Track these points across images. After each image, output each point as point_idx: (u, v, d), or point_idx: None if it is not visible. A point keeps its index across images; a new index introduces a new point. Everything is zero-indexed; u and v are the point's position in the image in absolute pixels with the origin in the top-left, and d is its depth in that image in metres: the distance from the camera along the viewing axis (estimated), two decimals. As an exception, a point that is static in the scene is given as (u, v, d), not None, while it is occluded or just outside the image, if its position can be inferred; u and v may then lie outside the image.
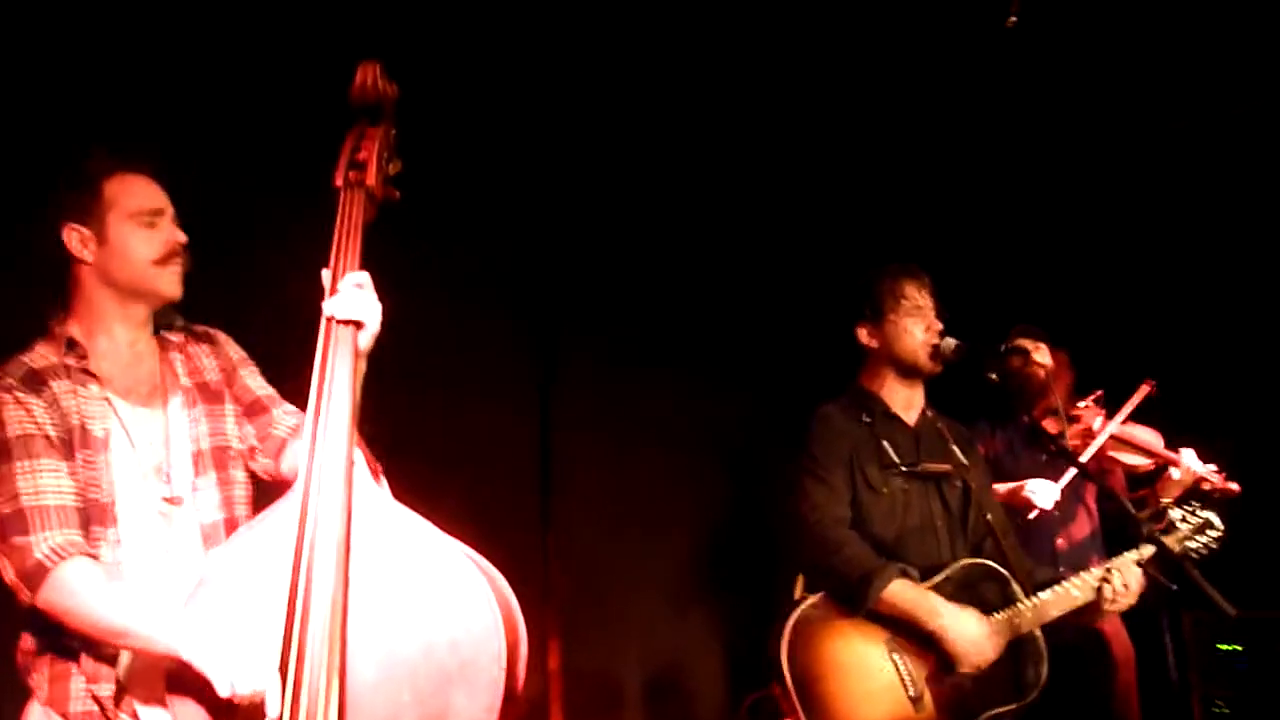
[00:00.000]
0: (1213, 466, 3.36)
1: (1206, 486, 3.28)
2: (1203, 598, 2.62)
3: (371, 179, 1.99)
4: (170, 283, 2.09)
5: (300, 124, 2.51)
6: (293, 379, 2.08)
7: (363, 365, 1.99)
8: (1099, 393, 3.83)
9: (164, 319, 2.16)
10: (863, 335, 2.97)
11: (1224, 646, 4.57)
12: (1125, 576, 2.74)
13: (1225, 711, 4.43)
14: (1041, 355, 3.66)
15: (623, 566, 4.44)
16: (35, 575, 1.86)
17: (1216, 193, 4.73)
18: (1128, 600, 2.75)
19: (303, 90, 2.70)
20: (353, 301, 1.93)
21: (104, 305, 2.07)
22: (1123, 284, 4.92)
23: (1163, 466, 3.66)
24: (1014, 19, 3.44)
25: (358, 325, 1.94)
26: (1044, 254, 5.08)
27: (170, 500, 2.04)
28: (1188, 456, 3.22)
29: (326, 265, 1.95)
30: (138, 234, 2.05)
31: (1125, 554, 2.80)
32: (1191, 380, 4.34)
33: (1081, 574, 2.79)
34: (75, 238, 2.03)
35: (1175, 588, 2.78)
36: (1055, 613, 2.75)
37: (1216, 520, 2.88)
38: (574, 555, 4.29)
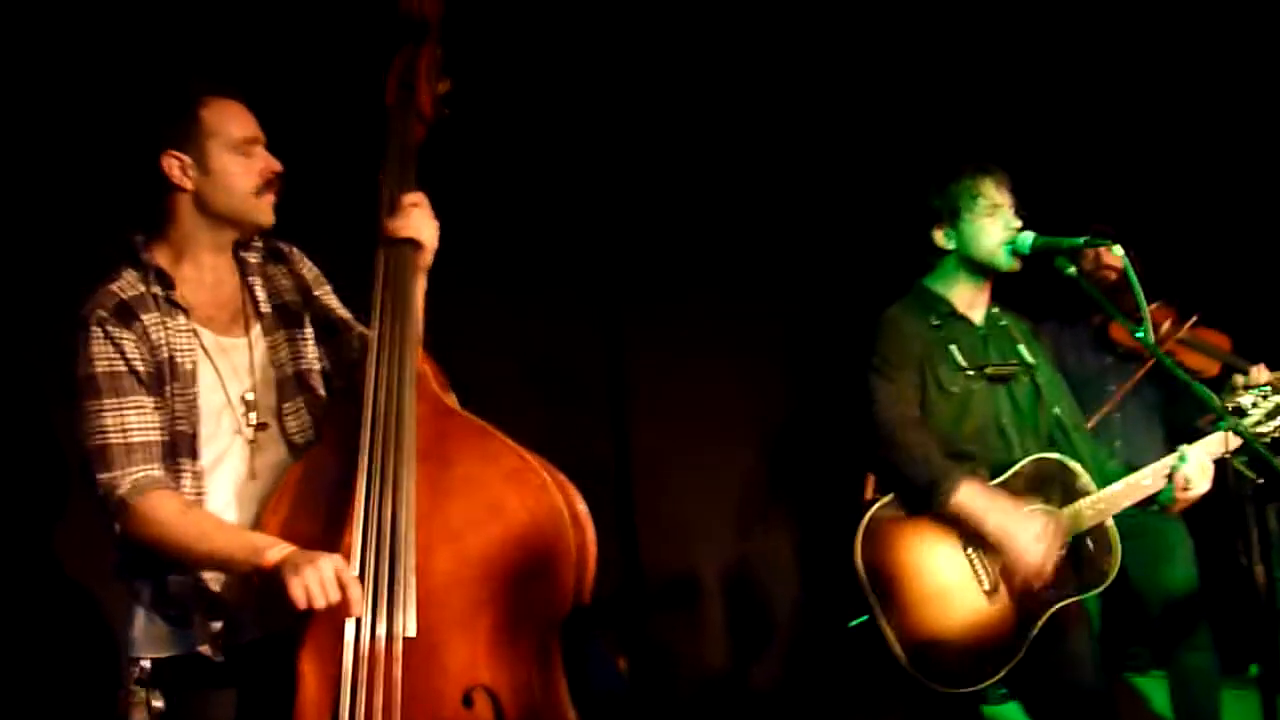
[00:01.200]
0: None
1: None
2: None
3: (421, 97, 2.02)
4: (267, 212, 2.10)
5: (351, 44, 2.54)
6: (354, 299, 2.15)
7: (423, 281, 2.05)
8: (1176, 300, 3.75)
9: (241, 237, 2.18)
10: (939, 237, 2.91)
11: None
12: (1196, 463, 2.69)
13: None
14: (1115, 259, 3.58)
15: (697, 472, 4.50)
16: (119, 510, 1.93)
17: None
18: (1199, 488, 2.70)
19: (352, 10, 2.72)
20: (409, 220, 1.98)
21: (196, 233, 2.08)
22: (1200, 190, 4.78)
23: (1229, 372, 3.57)
24: None
25: (415, 244, 2.00)
26: (1123, 158, 4.94)
27: (257, 426, 2.10)
28: (1255, 368, 3.15)
29: (382, 186, 1.99)
30: (238, 162, 2.05)
31: (1196, 442, 2.75)
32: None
33: (1154, 465, 2.75)
34: (175, 166, 2.02)
35: (1261, 480, 2.74)
36: (1125, 503, 2.73)
37: None
38: (648, 462, 4.37)
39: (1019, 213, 2.88)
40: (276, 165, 2.10)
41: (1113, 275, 3.58)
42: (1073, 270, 2.82)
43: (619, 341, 4.44)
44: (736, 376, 4.68)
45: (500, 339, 3.85)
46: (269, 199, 2.10)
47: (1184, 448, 2.74)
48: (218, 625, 2.01)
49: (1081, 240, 3.26)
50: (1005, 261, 2.85)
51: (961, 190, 2.86)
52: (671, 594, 4.48)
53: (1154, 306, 3.74)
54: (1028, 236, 2.83)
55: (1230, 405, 2.76)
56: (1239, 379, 3.10)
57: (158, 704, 2.00)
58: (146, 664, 2.03)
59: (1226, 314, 3.79)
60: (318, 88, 3.20)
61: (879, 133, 4.85)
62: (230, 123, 2.06)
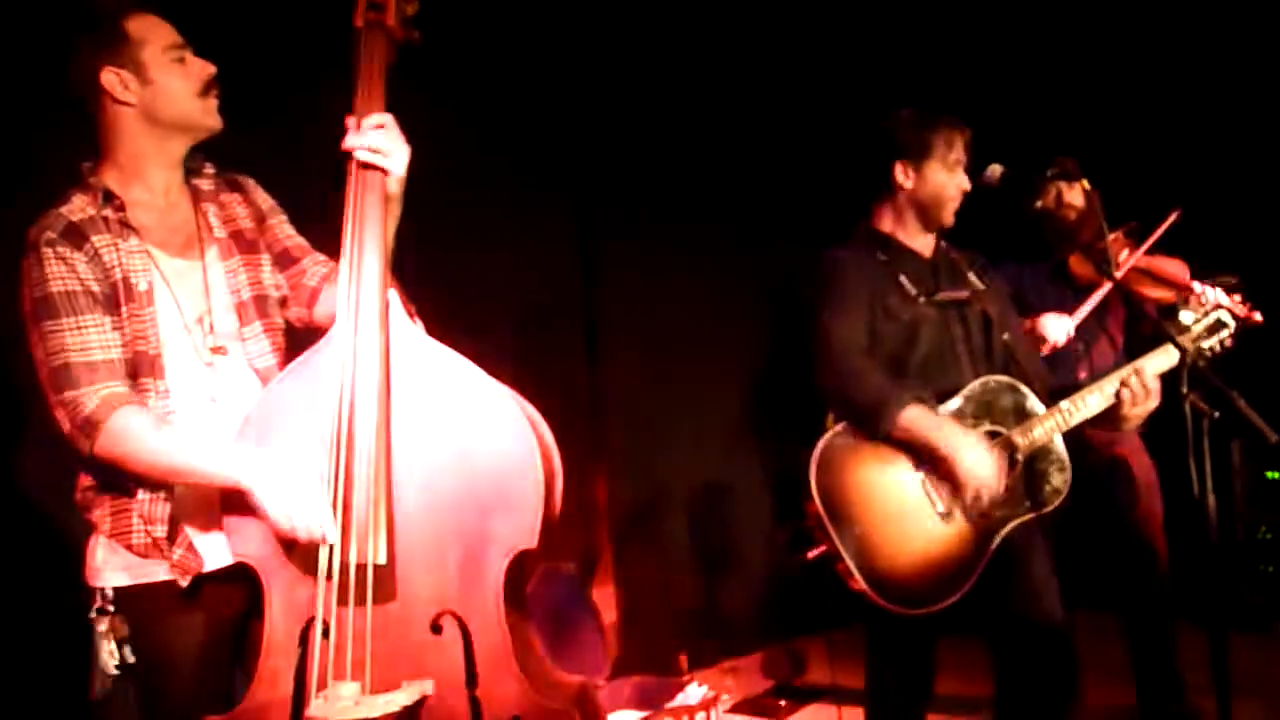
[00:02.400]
0: (1237, 297, 3.31)
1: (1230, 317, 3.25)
2: (1247, 425, 2.63)
3: (390, 19, 1.99)
4: (214, 115, 2.09)
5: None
6: (322, 225, 2.13)
7: (396, 208, 2.04)
8: (1133, 224, 3.76)
9: (192, 164, 2.16)
10: (898, 172, 2.91)
11: (1272, 474, 4.61)
12: (1144, 378, 2.75)
13: (1269, 537, 4.50)
14: (1074, 195, 3.60)
15: (668, 403, 4.54)
16: (89, 427, 1.91)
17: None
18: (1147, 404, 2.76)
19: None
20: (376, 142, 1.96)
21: (142, 147, 2.06)
22: (1159, 113, 4.80)
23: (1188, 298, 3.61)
24: None
25: (383, 168, 1.98)
26: (1079, 84, 4.94)
27: (215, 350, 2.08)
28: (1210, 290, 3.19)
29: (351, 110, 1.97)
30: (175, 68, 2.04)
31: (1143, 357, 2.81)
32: (1223, 211, 4.28)
33: (1101, 381, 2.80)
34: (115, 80, 2.01)
35: (1217, 414, 2.77)
36: (1075, 420, 2.79)
37: (1227, 318, 2.87)
38: (620, 392, 4.40)
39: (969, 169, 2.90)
40: (211, 67, 2.09)
41: (1072, 214, 3.60)
42: (1039, 204, 2.83)
43: (592, 272, 4.44)
44: (713, 310, 4.71)
45: (474, 269, 3.82)
46: (213, 102, 2.09)
47: (1132, 363, 2.80)
48: (184, 550, 2.01)
49: (1048, 173, 3.27)
50: (949, 216, 2.91)
51: (937, 136, 2.87)
52: (643, 526, 4.53)
53: (1112, 237, 3.76)
54: (996, 169, 2.86)
55: (1173, 323, 2.82)
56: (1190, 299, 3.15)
57: (122, 630, 2.00)
58: (109, 592, 2.02)
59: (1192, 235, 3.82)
60: (286, 9, 3.13)
61: (850, 71, 4.83)
62: (156, 31, 2.05)
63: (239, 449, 1.94)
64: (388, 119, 2.00)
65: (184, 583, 2.01)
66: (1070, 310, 3.60)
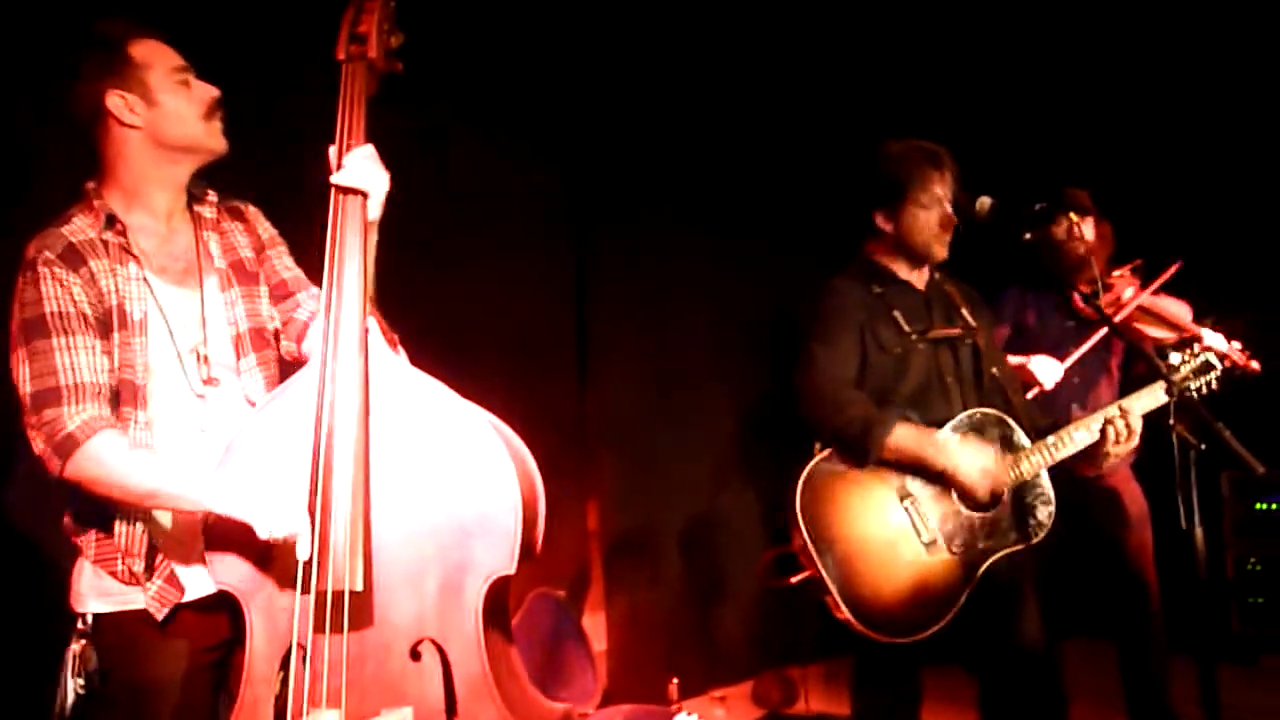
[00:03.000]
0: (1237, 345, 3.34)
1: (1228, 364, 3.28)
2: (1236, 457, 2.64)
3: (373, 51, 2.02)
4: (218, 137, 2.10)
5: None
6: (305, 256, 2.14)
7: (374, 235, 2.04)
8: (1138, 261, 3.78)
9: (195, 190, 2.16)
10: (879, 219, 2.95)
11: (1261, 505, 4.61)
12: (1129, 419, 2.80)
13: (1258, 568, 4.49)
14: (1085, 228, 3.62)
15: (660, 429, 4.53)
16: (65, 447, 1.90)
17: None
18: (1129, 443, 2.80)
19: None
20: (357, 172, 1.98)
21: (146, 170, 2.07)
22: (1172, 152, 4.83)
23: (1187, 341, 3.63)
24: None
25: (364, 195, 1.99)
26: (1092, 120, 4.97)
27: (208, 381, 2.08)
28: (1210, 334, 3.22)
29: (335, 139, 1.99)
30: (180, 91, 2.06)
31: (1130, 397, 2.86)
32: (1227, 257, 4.30)
33: (1087, 419, 2.84)
34: (121, 103, 2.01)
35: (1204, 447, 2.78)
36: (1060, 455, 2.82)
37: (1215, 360, 2.96)
38: (611, 419, 4.40)
39: (960, 203, 2.90)
40: (215, 91, 2.10)
41: (1081, 248, 3.63)
42: (1028, 237, 2.85)
43: (583, 299, 4.45)
44: (706, 336, 4.72)
45: (465, 295, 3.83)
46: (217, 124, 2.10)
47: (1119, 402, 2.85)
48: (162, 582, 2.01)
49: (1037, 207, 3.29)
50: (936, 253, 2.92)
51: (909, 178, 2.88)
52: (634, 552, 4.51)
53: (1121, 272, 3.78)
54: (985, 201, 2.86)
55: (1162, 363, 2.89)
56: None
57: (90, 659, 2.00)
58: (90, 617, 2.02)
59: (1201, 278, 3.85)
60: (270, 42, 3.16)
61: (857, 93, 4.86)
62: (161, 55, 2.06)
63: (209, 473, 1.94)
64: (368, 149, 2.02)
65: (159, 615, 2.01)
66: (1063, 355, 3.61)
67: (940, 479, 2.75)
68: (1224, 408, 2.81)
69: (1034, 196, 2.89)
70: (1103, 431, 2.80)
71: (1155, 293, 3.73)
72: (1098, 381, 3.74)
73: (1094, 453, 2.83)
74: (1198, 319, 3.67)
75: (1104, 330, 3.62)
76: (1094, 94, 5.05)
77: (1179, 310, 3.74)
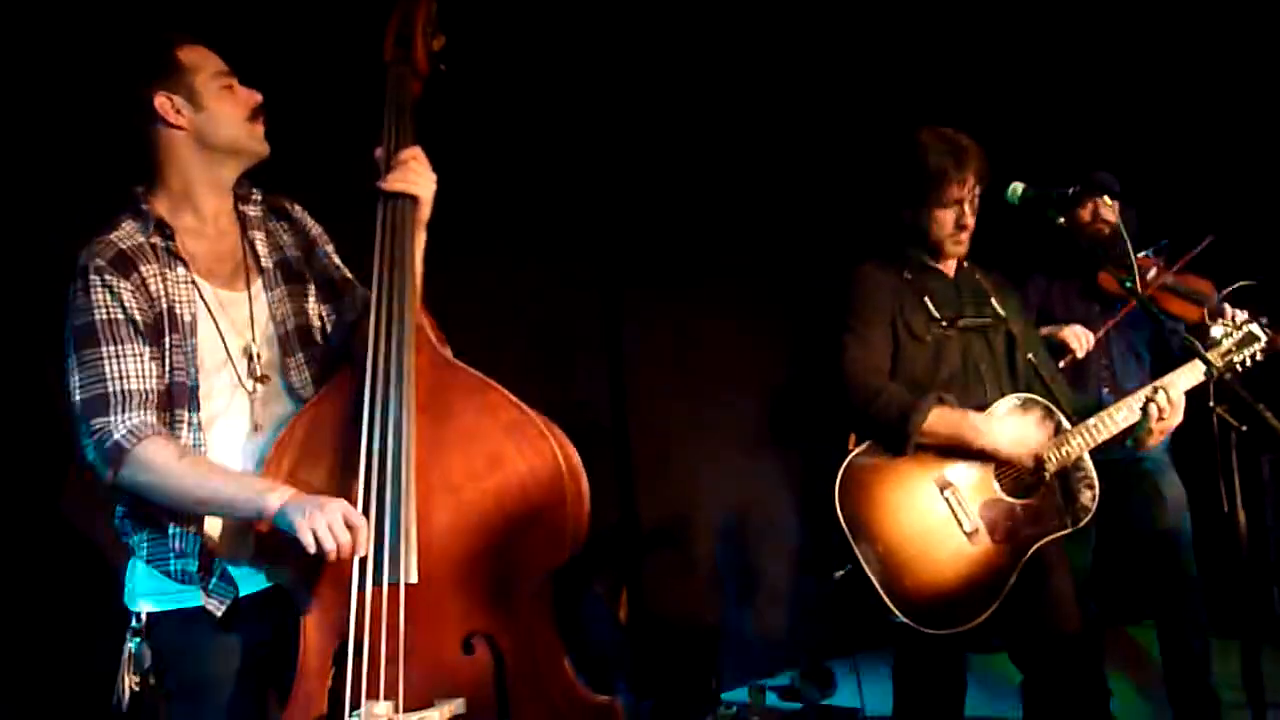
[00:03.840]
0: (1263, 320, 3.31)
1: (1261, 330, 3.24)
2: (1276, 438, 2.62)
3: (418, 54, 2.06)
4: (260, 139, 2.12)
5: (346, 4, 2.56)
6: (352, 256, 2.17)
7: (422, 236, 2.08)
8: (1165, 241, 3.76)
9: (240, 190, 2.18)
10: (904, 214, 2.93)
11: (1303, 489, 4.56)
12: (1170, 394, 2.76)
13: (1300, 552, 4.46)
14: (1109, 212, 3.60)
15: (693, 423, 4.55)
16: (114, 455, 1.92)
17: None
18: (1174, 419, 2.76)
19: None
20: (406, 174, 2.01)
21: (194, 173, 2.09)
22: (1196, 130, 4.80)
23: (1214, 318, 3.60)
24: None
25: (412, 198, 2.02)
26: (1112, 99, 4.95)
27: (258, 380, 2.09)
28: (1236, 312, 3.19)
29: (381, 142, 2.02)
30: (225, 94, 2.08)
31: (1171, 374, 2.81)
32: (1257, 234, 4.27)
33: (1128, 399, 2.81)
34: (169, 106, 2.04)
35: (1245, 428, 2.76)
36: (1103, 437, 2.79)
37: (1259, 331, 2.87)
38: (645, 413, 4.42)
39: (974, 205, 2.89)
40: (258, 95, 2.13)
41: (1106, 230, 3.61)
42: (1062, 220, 2.84)
43: (617, 295, 4.47)
44: (734, 329, 4.73)
45: (500, 294, 3.87)
46: (260, 128, 2.13)
47: (1159, 380, 2.81)
48: (215, 581, 2.03)
49: (1070, 191, 3.27)
50: (954, 249, 2.91)
51: (933, 178, 2.85)
52: (670, 545, 4.54)
53: (1143, 255, 3.76)
54: (1017, 187, 2.85)
55: (1203, 339, 2.83)
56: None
57: (145, 658, 2.02)
58: (143, 615, 2.05)
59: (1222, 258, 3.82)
60: (317, 46, 3.20)
61: (872, 89, 4.85)
62: (207, 60, 2.09)
63: (259, 480, 1.97)
64: (417, 151, 2.05)
65: (219, 613, 2.03)
66: (1094, 325, 3.60)
67: (981, 459, 2.74)
68: (1261, 389, 2.80)
69: (1059, 180, 2.88)
70: (1145, 409, 2.76)
71: (1180, 271, 3.72)
72: (1128, 365, 3.74)
73: (1136, 431, 2.79)
74: (1221, 296, 3.65)
75: (1132, 304, 3.59)
76: (1114, 77, 5.01)
77: (1204, 287, 3.72)
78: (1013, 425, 2.76)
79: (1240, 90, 4.78)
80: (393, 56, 2.06)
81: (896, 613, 2.63)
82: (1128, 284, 3.05)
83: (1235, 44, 4.74)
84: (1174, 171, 4.71)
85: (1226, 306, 3.04)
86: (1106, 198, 3.55)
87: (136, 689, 2.02)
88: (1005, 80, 5.02)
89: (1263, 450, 4.54)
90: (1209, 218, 3.82)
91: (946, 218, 2.87)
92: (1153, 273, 3.69)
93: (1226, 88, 4.80)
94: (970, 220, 2.89)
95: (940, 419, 2.71)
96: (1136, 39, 4.93)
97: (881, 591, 2.64)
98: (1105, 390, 3.64)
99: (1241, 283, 3.47)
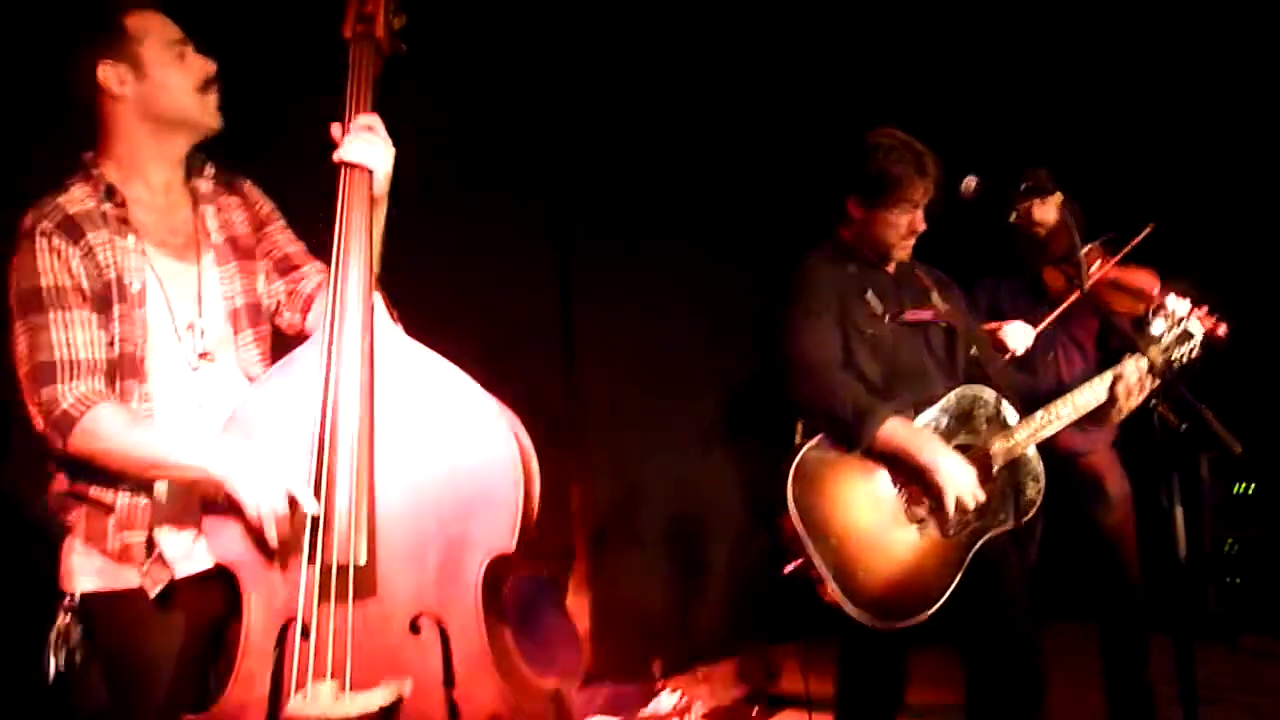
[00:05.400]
0: (1204, 309, 3.37)
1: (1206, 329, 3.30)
2: (1215, 437, 2.67)
3: (379, 31, 2.04)
4: (212, 112, 2.09)
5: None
6: (310, 232, 2.15)
7: (381, 209, 2.06)
8: (1110, 235, 3.81)
9: (193, 163, 2.15)
10: (851, 206, 2.96)
11: (1240, 487, 4.68)
12: (1136, 373, 2.82)
13: (1236, 549, 4.57)
14: (1045, 211, 3.64)
15: (644, 414, 4.56)
16: (63, 423, 1.90)
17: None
18: (1139, 397, 2.82)
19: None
20: (362, 145, 2.00)
21: (141, 143, 2.06)
22: (1136, 123, 4.89)
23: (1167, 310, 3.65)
24: None
25: (368, 169, 2.01)
26: (1056, 92, 5.01)
27: (203, 355, 2.07)
28: (1175, 299, 3.25)
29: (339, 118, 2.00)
30: (172, 64, 2.04)
31: (1115, 366, 2.87)
32: (1197, 224, 4.35)
33: (1090, 381, 2.86)
34: (112, 74, 2.01)
35: (1185, 427, 2.81)
36: (1053, 428, 2.85)
37: (1196, 329, 2.95)
38: (596, 401, 4.43)
39: (934, 208, 2.91)
40: (211, 65, 2.09)
41: (1043, 230, 3.65)
42: (1014, 216, 2.88)
43: (569, 282, 4.46)
44: (690, 320, 4.74)
45: (452, 281, 3.84)
46: (212, 100, 2.09)
47: (1119, 365, 2.86)
48: (153, 561, 2.00)
49: (1023, 186, 3.30)
50: (897, 254, 2.95)
51: (892, 180, 2.87)
52: (620, 535, 4.55)
53: (1086, 249, 3.80)
54: (971, 181, 2.88)
55: (1142, 334, 2.91)
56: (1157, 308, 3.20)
57: (74, 636, 2.00)
58: (77, 595, 2.02)
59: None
60: (278, 20, 3.15)
61: (832, 81, 4.88)
62: (156, 27, 2.06)
63: (212, 441, 1.94)
64: (374, 120, 2.03)
65: (152, 593, 2.00)
66: (1039, 321, 3.64)
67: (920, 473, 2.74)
68: (1203, 389, 2.85)
69: (1001, 174, 2.91)
70: (1112, 389, 2.82)
71: (1123, 262, 3.76)
72: (1072, 360, 3.78)
73: (1102, 412, 2.85)
74: (1164, 285, 3.70)
75: (1075, 296, 3.62)
76: (1054, 69, 5.07)
77: (1146, 280, 3.76)
78: (958, 464, 2.74)
79: (1179, 82, 4.87)
80: (354, 33, 2.04)
81: (849, 606, 2.65)
82: (1074, 281, 3.10)
83: (1173, 37, 4.83)
84: (1116, 161, 4.78)
85: (1171, 299, 3.08)
86: (1039, 199, 3.59)
87: (61, 669, 2.00)
88: (948, 74, 5.06)
89: (1202, 448, 4.66)
90: (1151, 206, 3.88)
91: (900, 221, 2.89)
92: (1096, 266, 3.74)
93: (1166, 80, 4.89)
94: (921, 225, 2.91)
95: (893, 433, 2.72)
96: (1077, 33, 4.99)
97: (834, 586, 2.65)
98: (1053, 384, 3.69)
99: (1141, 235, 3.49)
